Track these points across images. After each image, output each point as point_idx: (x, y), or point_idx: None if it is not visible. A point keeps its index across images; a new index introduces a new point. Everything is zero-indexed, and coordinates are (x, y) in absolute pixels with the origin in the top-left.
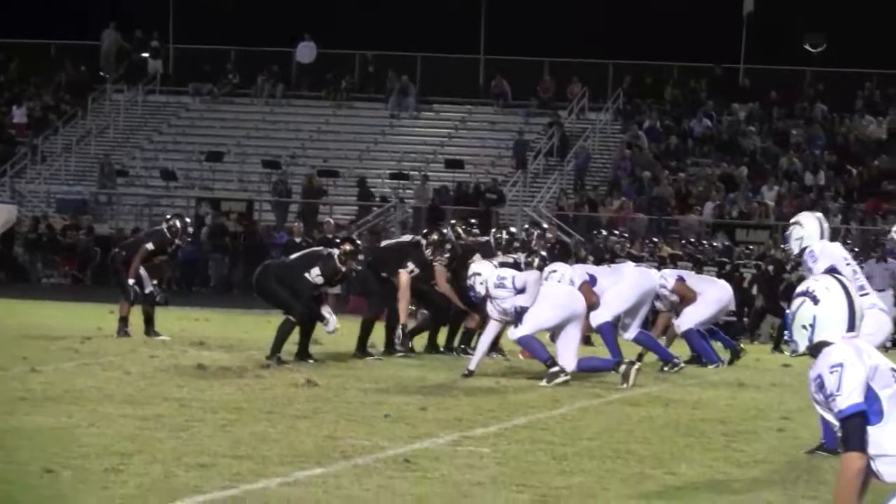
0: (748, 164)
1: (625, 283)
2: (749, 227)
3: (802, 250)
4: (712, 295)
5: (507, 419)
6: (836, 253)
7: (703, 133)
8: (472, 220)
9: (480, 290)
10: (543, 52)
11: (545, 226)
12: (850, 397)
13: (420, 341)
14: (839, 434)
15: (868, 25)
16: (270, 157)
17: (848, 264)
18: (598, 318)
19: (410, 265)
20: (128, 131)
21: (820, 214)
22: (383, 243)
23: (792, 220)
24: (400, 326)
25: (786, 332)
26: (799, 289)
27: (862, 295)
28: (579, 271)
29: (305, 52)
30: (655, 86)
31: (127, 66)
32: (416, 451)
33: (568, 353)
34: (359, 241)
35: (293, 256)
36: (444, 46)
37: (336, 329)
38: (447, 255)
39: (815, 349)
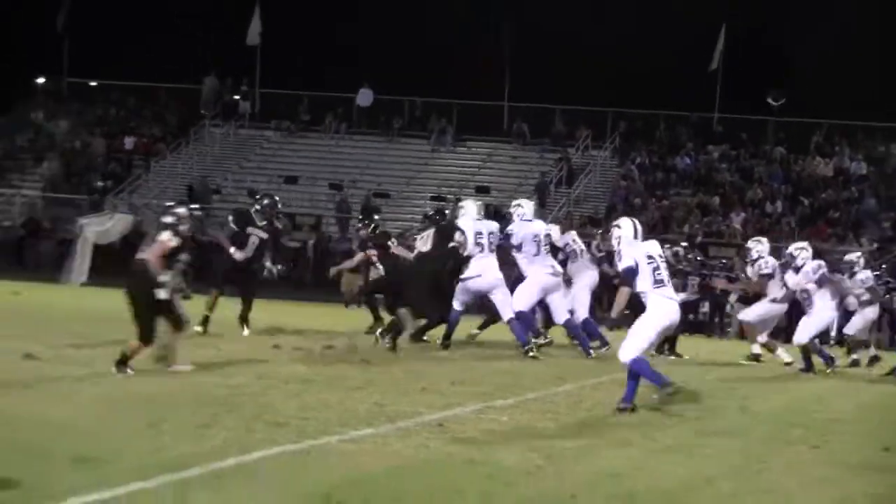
0: (720, 194)
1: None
2: (720, 245)
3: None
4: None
5: (521, 393)
6: (640, 250)
7: (685, 169)
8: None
9: None
10: (556, 101)
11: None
12: None
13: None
14: None
15: (819, 84)
16: (335, 181)
17: (651, 261)
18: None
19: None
20: (221, 158)
21: (635, 220)
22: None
23: (613, 223)
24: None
25: None
26: None
27: (657, 286)
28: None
29: (365, 97)
30: (646, 130)
31: (222, 106)
32: (448, 417)
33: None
34: None
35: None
36: (475, 94)
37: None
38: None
39: None
